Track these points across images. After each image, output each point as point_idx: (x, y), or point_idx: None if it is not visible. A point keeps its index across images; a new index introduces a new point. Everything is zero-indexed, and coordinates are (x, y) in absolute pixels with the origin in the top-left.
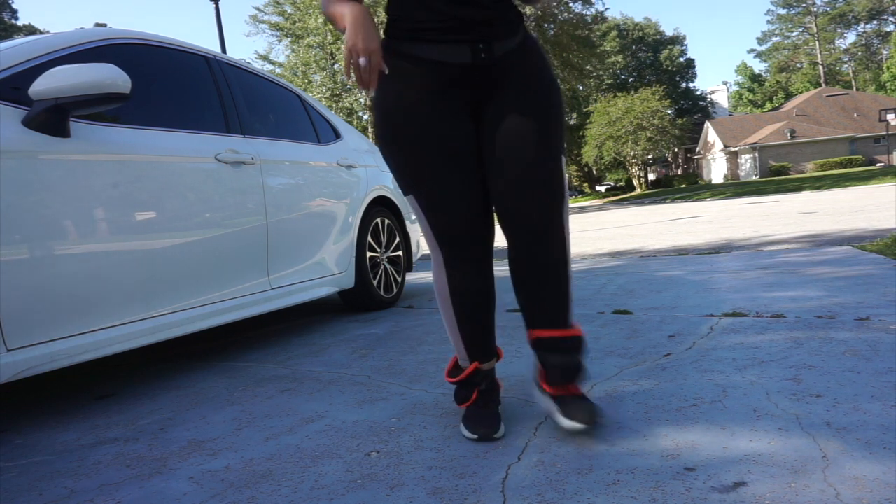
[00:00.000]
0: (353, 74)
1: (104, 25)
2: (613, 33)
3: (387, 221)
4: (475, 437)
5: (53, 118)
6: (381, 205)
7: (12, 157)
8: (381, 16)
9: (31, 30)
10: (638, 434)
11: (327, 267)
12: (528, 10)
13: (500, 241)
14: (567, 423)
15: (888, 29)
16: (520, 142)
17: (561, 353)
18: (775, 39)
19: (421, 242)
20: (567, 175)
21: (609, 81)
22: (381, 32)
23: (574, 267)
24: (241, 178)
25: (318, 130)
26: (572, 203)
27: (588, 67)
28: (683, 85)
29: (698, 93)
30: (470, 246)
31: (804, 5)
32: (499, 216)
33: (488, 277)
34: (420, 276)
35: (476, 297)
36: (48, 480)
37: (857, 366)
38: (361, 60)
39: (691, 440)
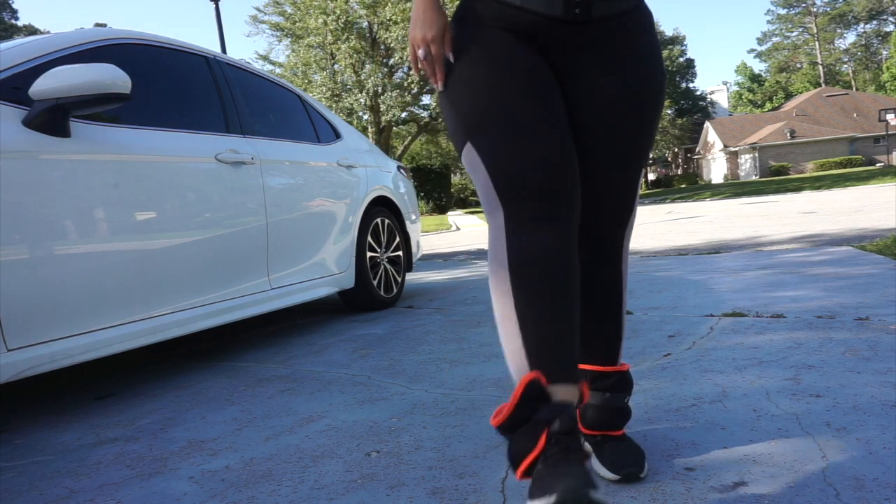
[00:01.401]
0: (421, 69)
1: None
2: None
3: (387, 221)
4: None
5: (54, 118)
6: (381, 205)
7: (12, 157)
8: None
9: (31, 30)
10: (638, 434)
11: (327, 267)
12: None
13: None
14: (605, 472)
15: (888, 29)
16: (614, 141)
17: (601, 390)
18: (775, 39)
19: (421, 242)
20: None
21: None
22: None
23: None
24: (241, 178)
25: (318, 130)
26: None
27: None
28: (683, 85)
29: (698, 93)
30: (550, 201)
31: (804, 5)
32: (584, 206)
33: (573, 247)
34: (420, 277)
35: (556, 269)
36: (48, 480)
37: (856, 366)
38: (420, 52)
39: (691, 440)
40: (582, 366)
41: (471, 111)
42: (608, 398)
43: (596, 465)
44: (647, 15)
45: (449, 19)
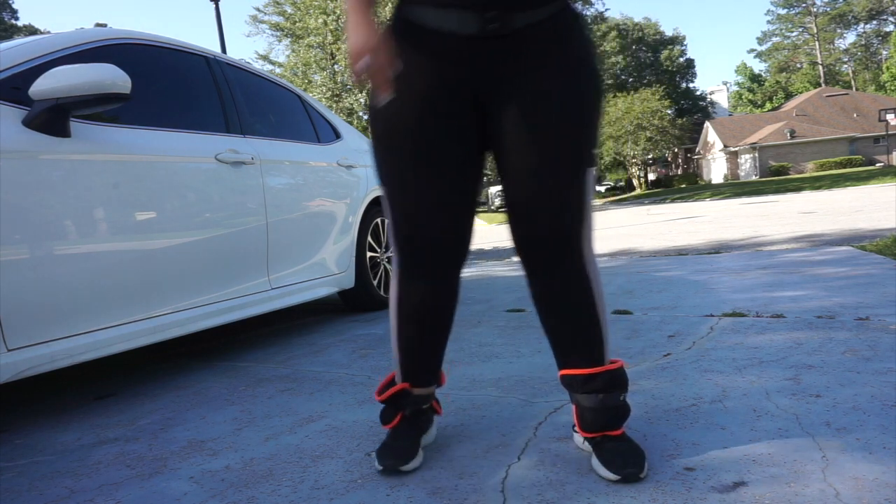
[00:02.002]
0: (365, 80)
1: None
2: (613, 33)
3: (387, 221)
4: (380, 468)
5: (54, 118)
6: (381, 205)
7: (12, 157)
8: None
9: (31, 30)
10: (638, 434)
11: (327, 267)
12: None
13: (503, 242)
14: (605, 472)
15: (888, 29)
16: (539, 153)
17: (596, 391)
18: (775, 39)
19: None
20: (592, 188)
21: (609, 82)
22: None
23: None
24: (241, 178)
25: (318, 130)
26: None
27: None
28: (683, 85)
29: (698, 93)
30: (436, 258)
31: (804, 5)
32: (512, 238)
33: (448, 298)
34: None
35: (426, 317)
36: (48, 480)
37: (856, 366)
38: (360, 63)
39: (691, 440)
40: (567, 371)
41: (385, 164)
42: (602, 399)
43: (596, 465)
44: (575, 17)
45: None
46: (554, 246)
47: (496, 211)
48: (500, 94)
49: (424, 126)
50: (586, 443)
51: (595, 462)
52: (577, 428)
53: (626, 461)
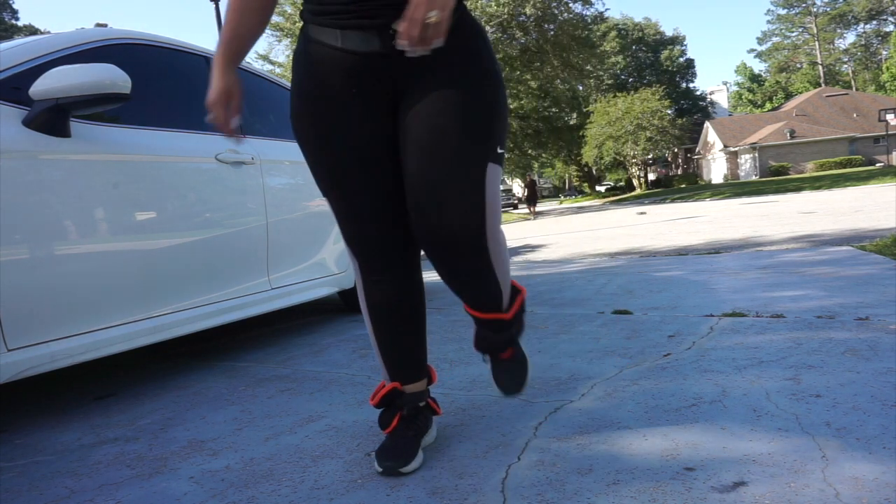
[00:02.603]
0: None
1: (104, 25)
2: (613, 33)
3: None
4: (380, 470)
5: (53, 118)
6: None
7: (12, 157)
8: None
9: (31, 30)
10: (638, 434)
11: (327, 267)
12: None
13: None
14: (496, 389)
15: (888, 29)
16: (434, 144)
17: (484, 328)
18: (775, 39)
19: None
20: (499, 180)
21: (609, 82)
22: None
23: (574, 267)
24: (241, 178)
25: None
26: (571, 203)
27: (588, 67)
28: (683, 85)
29: (698, 93)
30: (384, 257)
31: (804, 5)
32: (412, 226)
33: (409, 292)
34: None
35: (393, 313)
36: (48, 480)
37: (856, 366)
38: (210, 115)
39: (691, 440)
40: (467, 308)
41: (318, 175)
42: (487, 335)
43: (491, 380)
44: (471, 21)
45: (239, 77)
46: (451, 238)
47: None
48: (404, 102)
49: (344, 137)
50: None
51: (491, 377)
52: (475, 346)
53: (507, 379)
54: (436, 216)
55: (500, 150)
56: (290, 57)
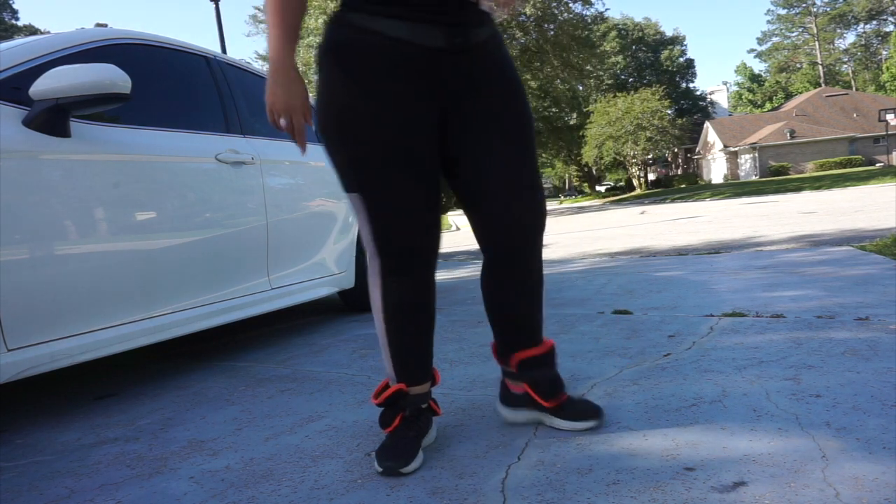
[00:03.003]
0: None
1: (104, 25)
2: (613, 33)
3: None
4: (380, 470)
5: (53, 118)
6: None
7: (12, 157)
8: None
9: (31, 30)
10: (638, 434)
11: (327, 267)
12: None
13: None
14: (578, 424)
15: (888, 29)
16: (510, 155)
17: (548, 367)
18: (775, 39)
19: None
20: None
21: (609, 81)
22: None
23: (574, 267)
24: (241, 178)
25: None
26: (571, 203)
27: (588, 67)
28: (683, 85)
29: (698, 93)
30: (414, 259)
31: (804, 5)
32: (485, 230)
33: (430, 294)
34: None
35: (414, 315)
36: (48, 480)
37: (856, 366)
38: (282, 121)
39: (691, 440)
40: (523, 354)
41: (355, 169)
42: (553, 372)
43: (560, 423)
44: (500, 35)
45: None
46: (529, 242)
47: None
48: (458, 107)
49: (396, 132)
50: (534, 411)
51: (560, 422)
52: (538, 400)
53: (592, 412)
54: (509, 208)
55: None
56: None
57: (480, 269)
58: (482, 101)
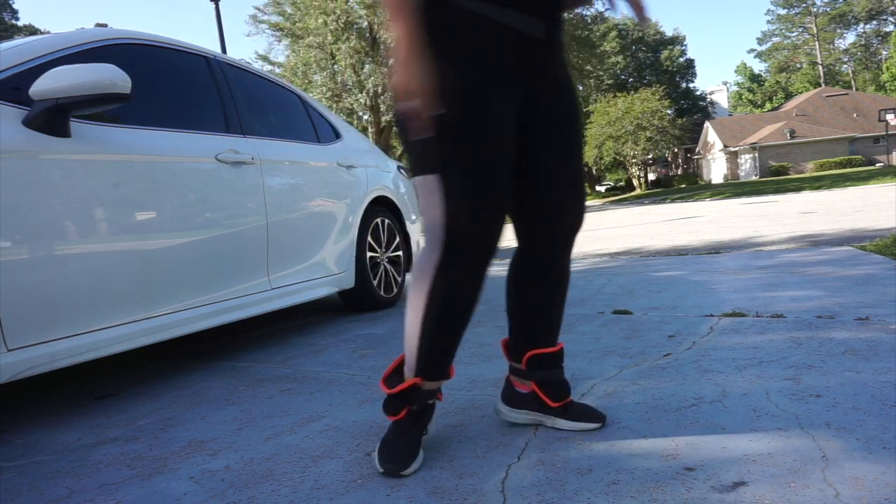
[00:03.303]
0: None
1: (104, 25)
2: (613, 34)
3: (387, 221)
4: (381, 471)
5: (53, 118)
6: (381, 205)
7: (12, 157)
8: None
9: (31, 30)
10: (638, 434)
11: (327, 267)
12: None
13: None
14: (581, 424)
15: (888, 29)
16: (566, 153)
17: (558, 368)
18: (775, 39)
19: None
20: None
21: (609, 82)
22: None
23: (574, 267)
24: (241, 178)
25: (318, 130)
26: None
27: (588, 67)
28: (683, 85)
29: (698, 93)
30: (481, 253)
31: (804, 5)
32: (530, 224)
33: (478, 292)
34: None
35: (460, 314)
36: (48, 480)
37: (856, 366)
38: (409, 104)
39: (691, 440)
40: (541, 350)
41: (450, 144)
42: (561, 373)
43: (565, 423)
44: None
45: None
46: (569, 242)
47: None
48: (534, 99)
49: (492, 114)
50: (540, 413)
51: (565, 423)
52: (546, 401)
53: (595, 414)
54: (568, 204)
55: None
56: (289, 57)
57: (510, 265)
58: (553, 98)
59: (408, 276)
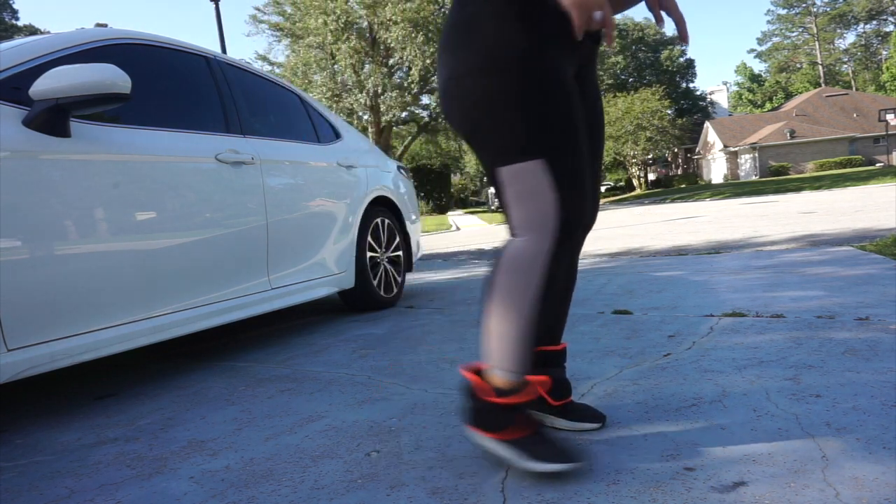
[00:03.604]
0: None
1: (104, 25)
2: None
3: (387, 221)
4: (572, 466)
5: (54, 118)
6: (381, 205)
7: (12, 157)
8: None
9: (31, 30)
10: (638, 434)
11: (327, 267)
12: None
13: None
14: (580, 425)
15: (888, 29)
16: (600, 156)
17: (561, 367)
18: (775, 39)
19: (421, 242)
20: None
21: (609, 82)
22: None
23: None
24: (241, 178)
25: (318, 130)
26: None
27: None
28: (683, 85)
29: (698, 93)
30: (583, 230)
31: (804, 5)
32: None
33: (576, 264)
34: (420, 277)
35: (569, 285)
36: (48, 480)
37: (856, 366)
38: (598, 14)
39: (691, 440)
40: (557, 346)
41: (551, 130)
42: (564, 370)
43: (569, 424)
44: None
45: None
46: (581, 242)
47: (495, 211)
48: (583, 87)
49: (576, 99)
50: (543, 413)
51: (565, 423)
52: (548, 400)
53: (595, 415)
54: (594, 212)
55: None
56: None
57: None
58: (591, 99)
59: (408, 277)
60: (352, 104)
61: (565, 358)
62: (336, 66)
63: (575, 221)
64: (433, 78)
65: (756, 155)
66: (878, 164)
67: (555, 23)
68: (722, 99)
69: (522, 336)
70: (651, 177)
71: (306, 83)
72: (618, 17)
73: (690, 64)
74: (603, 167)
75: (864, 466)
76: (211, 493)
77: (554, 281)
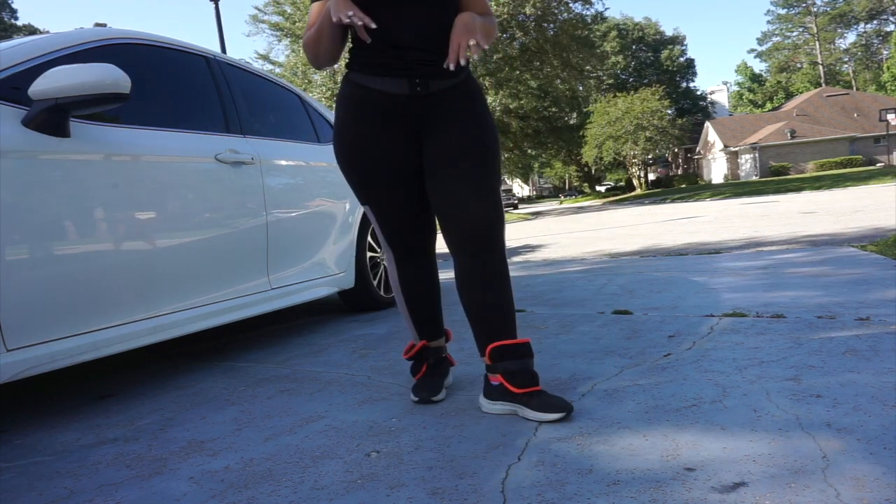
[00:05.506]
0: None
1: (104, 25)
2: (613, 33)
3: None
4: (416, 399)
5: (53, 118)
6: None
7: (12, 157)
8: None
9: (31, 30)
10: (638, 434)
11: (327, 267)
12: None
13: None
14: (543, 416)
15: (888, 29)
16: (472, 171)
17: (521, 357)
18: (775, 39)
19: None
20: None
21: (609, 81)
22: (345, 66)
23: (574, 267)
24: (241, 178)
25: (318, 130)
26: (571, 203)
27: (588, 67)
28: (683, 85)
29: (698, 93)
30: (415, 248)
31: (804, 5)
32: (452, 228)
33: (432, 273)
34: None
35: (421, 289)
36: (48, 480)
37: (857, 366)
38: (349, 13)
39: (691, 440)
40: (499, 343)
41: (360, 189)
42: (526, 363)
43: (528, 413)
44: (475, 85)
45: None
46: (479, 248)
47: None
48: (428, 135)
49: (382, 159)
50: (509, 402)
51: (528, 412)
52: (508, 388)
53: (560, 404)
54: (467, 216)
55: (497, 176)
56: (289, 57)
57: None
58: (448, 132)
59: None
60: None
61: (526, 352)
62: (335, 66)
63: (398, 249)
64: None
65: (756, 155)
66: (878, 164)
67: (360, 110)
68: (722, 99)
69: (406, 315)
70: (651, 177)
71: (306, 83)
72: (618, 16)
73: (690, 64)
74: (603, 167)
75: (865, 467)
76: (210, 494)
77: (411, 280)
